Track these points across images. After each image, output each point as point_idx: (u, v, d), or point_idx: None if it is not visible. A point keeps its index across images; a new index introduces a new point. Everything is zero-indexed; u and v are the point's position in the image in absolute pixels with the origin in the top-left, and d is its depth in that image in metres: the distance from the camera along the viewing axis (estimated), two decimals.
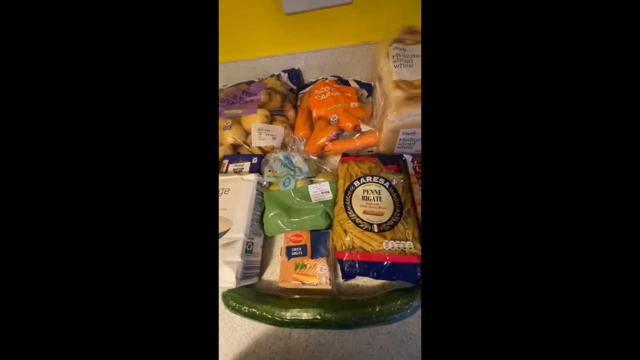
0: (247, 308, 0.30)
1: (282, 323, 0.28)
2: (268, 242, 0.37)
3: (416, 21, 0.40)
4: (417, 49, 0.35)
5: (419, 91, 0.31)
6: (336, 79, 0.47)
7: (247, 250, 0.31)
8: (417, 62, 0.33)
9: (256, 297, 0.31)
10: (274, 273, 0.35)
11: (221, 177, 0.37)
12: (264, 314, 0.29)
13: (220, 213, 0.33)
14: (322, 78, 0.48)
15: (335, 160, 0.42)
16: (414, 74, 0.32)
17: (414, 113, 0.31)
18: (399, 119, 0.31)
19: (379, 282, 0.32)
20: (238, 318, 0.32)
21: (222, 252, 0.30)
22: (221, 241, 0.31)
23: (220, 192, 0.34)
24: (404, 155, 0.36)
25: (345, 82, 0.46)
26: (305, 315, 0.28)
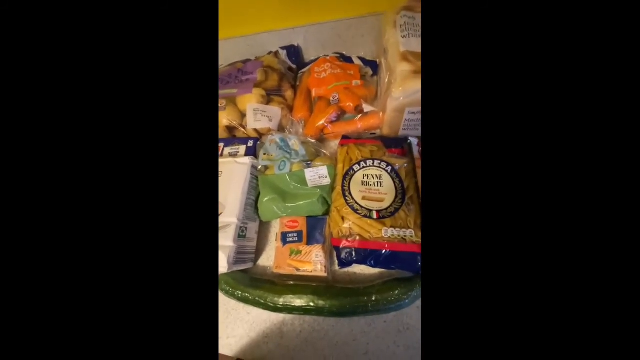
0: (240, 292, 0.29)
1: (275, 309, 0.28)
2: (264, 227, 0.36)
3: None
4: None
5: None
6: (338, 55, 0.43)
7: (240, 235, 0.30)
8: None
9: (250, 282, 0.30)
10: (270, 259, 0.34)
11: None
12: (257, 299, 0.28)
13: None
14: (323, 55, 0.45)
15: (335, 144, 0.40)
16: None
17: None
18: (405, 95, 0.28)
19: (376, 270, 0.30)
20: (233, 302, 0.32)
21: None
22: None
23: None
24: (409, 138, 0.33)
25: (348, 59, 0.42)
26: (298, 302, 0.27)
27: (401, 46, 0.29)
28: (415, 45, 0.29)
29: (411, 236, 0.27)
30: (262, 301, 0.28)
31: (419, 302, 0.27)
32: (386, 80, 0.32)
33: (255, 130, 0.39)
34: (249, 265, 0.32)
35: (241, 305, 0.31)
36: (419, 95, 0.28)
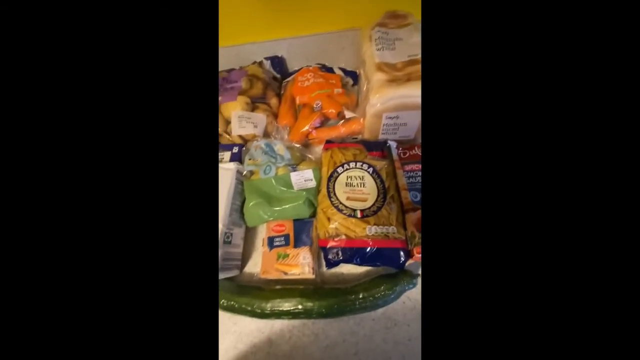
0: (225, 301, 0.28)
1: (263, 315, 0.27)
2: (250, 233, 0.35)
3: (400, 6, 0.39)
4: (400, 33, 0.34)
5: (401, 73, 0.30)
6: (320, 66, 0.46)
7: (226, 241, 0.30)
8: (400, 45, 0.33)
9: (236, 289, 0.29)
10: (256, 265, 0.33)
11: None
12: (244, 306, 0.27)
13: None
14: (306, 66, 0.47)
15: (319, 149, 0.41)
16: (396, 56, 0.32)
17: (397, 95, 0.30)
18: (381, 102, 0.30)
19: (363, 270, 0.31)
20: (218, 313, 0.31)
21: None
22: None
23: None
24: (388, 142, 0.35)
25: (330, 70, 0.45)
26: (286, 305, 0.27)
27: (376, 58, 0.32)
28: (389, 57, 0.32)
29: (394, 232, 0.28)
30: (249, 308, 0.27)
31: (404, 297, 0.28)
32: (364, 89, 0.34)
33: (240, 136, 0.39)
34: (234, 273, 0.31)
35: (227, 315, 0.30)
36: (394, 102, 0.30)
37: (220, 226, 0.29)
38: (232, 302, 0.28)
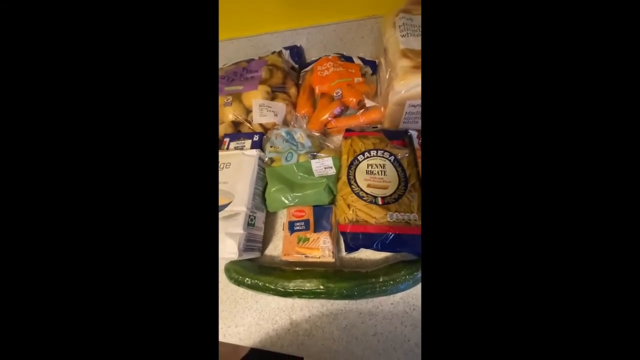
0: (249, 279, 0.30)
1: (285, 293, 0.28)
2: (270, 218, 0.36)
3: None
4: None
5: None
6: (339, 55, 0.45)
7: (250, 223, 0.31)
8: None
9: (259, 269, 0.30)
10: (276, 249, 0.34)
11: (222, 153, 0.36)
12: (267, 284, 0.29)
13: (221, 187, 0.32)
14: (325, 55, 0.47)
15: (338, 138, 0.41)
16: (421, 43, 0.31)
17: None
18: (406, 88, 0.30)
19: (382, 255, 0.31)
20: (241, 291, 0.32)
21: (224, 224, 0.30)
22: (223, 214, 0.30)
23: (221, 166, 0.34)
24: (409, 131, 0.35)
25: (349, 59, 0.45)
26: (308, 285, 0.28)
27: (401, 44, 0.32)
28: (414, 43, 0.31)
29: (415, 220, 0.28)
30: (273, 287, 0.29)
31: None
32: (387, 76, 0.34)
33: (261, 125, 0.40)
34: (256, 255, 0.33)
35: (249, 293, 0.32)
36: (418, 89, 0.30)
37: (245, 209, 0.30)
38: (256, 281, 0.29)
